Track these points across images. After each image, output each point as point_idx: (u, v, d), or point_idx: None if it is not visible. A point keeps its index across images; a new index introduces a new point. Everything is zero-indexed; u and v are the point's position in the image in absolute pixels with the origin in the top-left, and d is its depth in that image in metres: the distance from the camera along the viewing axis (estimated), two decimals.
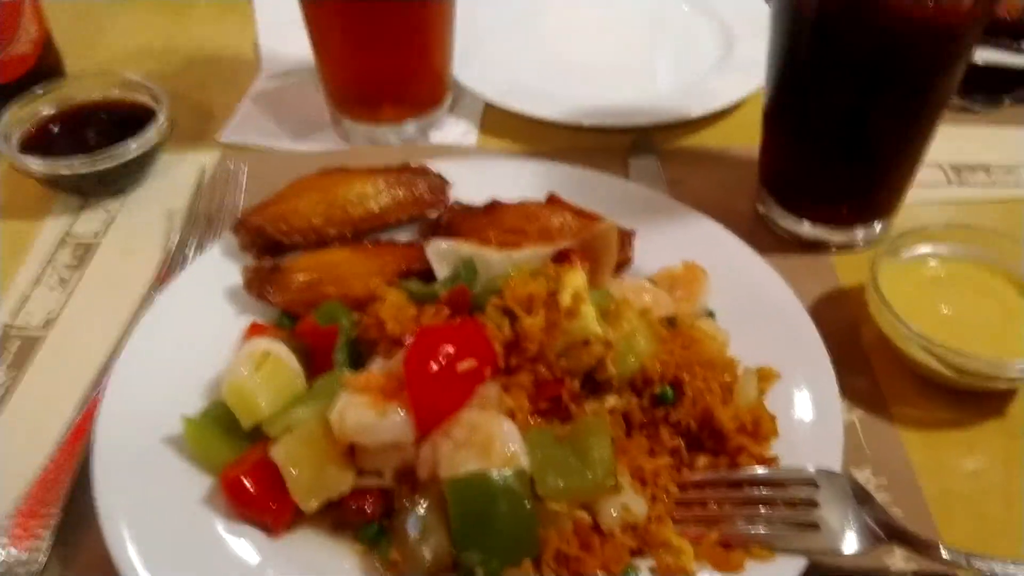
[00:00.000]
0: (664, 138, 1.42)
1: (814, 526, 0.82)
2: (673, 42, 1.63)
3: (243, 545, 0.86)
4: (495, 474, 0.81)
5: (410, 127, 1.42)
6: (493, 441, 0.83)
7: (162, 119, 1.30)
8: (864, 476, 0.95)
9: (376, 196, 1.14)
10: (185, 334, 1.03)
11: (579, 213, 1.14)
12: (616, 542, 0.82)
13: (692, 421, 0.90)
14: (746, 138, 1.39)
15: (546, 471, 0.83)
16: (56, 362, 1.09)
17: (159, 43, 1.68)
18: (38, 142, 1.31)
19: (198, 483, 0.90)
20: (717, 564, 0.81)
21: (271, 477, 0.86)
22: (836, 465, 0.88)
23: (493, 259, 1.03)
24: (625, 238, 1.10)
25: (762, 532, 0.83)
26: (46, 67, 1.47)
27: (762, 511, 0.84)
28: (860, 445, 0.98)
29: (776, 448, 0.91)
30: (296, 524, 0.88)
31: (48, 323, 1.14)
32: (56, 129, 1.34)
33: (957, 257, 1.10)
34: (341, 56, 1.36)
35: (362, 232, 1.13)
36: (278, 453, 0.86)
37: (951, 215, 1.27)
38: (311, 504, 0.86)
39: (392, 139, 1.42)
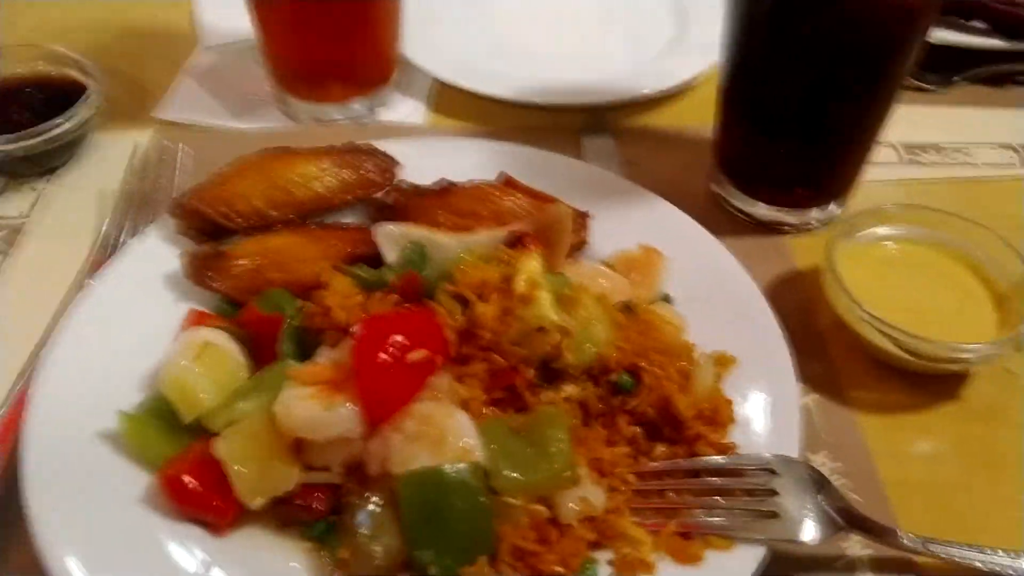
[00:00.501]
0: (618, 117, 1.39)
1: (773, 515, 0.81)
2: (627, 20, 1.60)
3: (186, 545, 0.82)
4: (449, 469, 0.79)
5: (357, 105, 1.37)
6: (446, 434, 0.80)
7: (94, 95, 1.24)
8: (820, 460, 0.94)
9: (321, 177, 1.10)
10: (120, 323, 0.98)
11: (533, 195, 1.11)
12: (574, 535, 0.80)
13: (650, 409, 0.88)
14: (701, 117, 1.37)
15: (502, 464, 0.80)
16: None
17: (90, 14, 1.60)
18: None
19: (136, 481, 0.86)
20: (676, 555, 0.80)
21: (214, 473, 0.82)
22: (793, 451, 0.87)
23: (444, 243, 0.99)
24: (580, 220, 1.07)
25: (721, 522, 0.81)
26: None
27: (721, 500, 0.83)
28: (816, 430, 0.97)
29: (733, 435, 0.90)
30: (242, 522, 0.84)
31: None
32: None
33: (912, 238, 1.09)
34: (285, 33, 1.31)
35: (307, 215, 1.09)
36: (221, 449, 0.82)
37: (903, 194, 1.27)
38: (256, 501, 0.82)
39: (338, 118, 1.37)
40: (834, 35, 1.02)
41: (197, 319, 0.99)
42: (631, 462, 0.86)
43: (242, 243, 1.04)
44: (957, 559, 0.80)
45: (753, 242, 1.19)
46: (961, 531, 0.84)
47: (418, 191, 1.11)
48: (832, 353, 1.06)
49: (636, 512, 0.83)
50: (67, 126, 1.20)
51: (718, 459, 0.86)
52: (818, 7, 1.00)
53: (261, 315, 0.95)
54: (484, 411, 0.85)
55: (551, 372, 0.88)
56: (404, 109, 1.40)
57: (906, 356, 0.98)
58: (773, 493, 0.82)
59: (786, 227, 1.21)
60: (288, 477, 0.83)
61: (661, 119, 1.41)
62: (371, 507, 0.81)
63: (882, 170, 1.29)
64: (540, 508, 0.80)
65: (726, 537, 0.80)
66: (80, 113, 1.21)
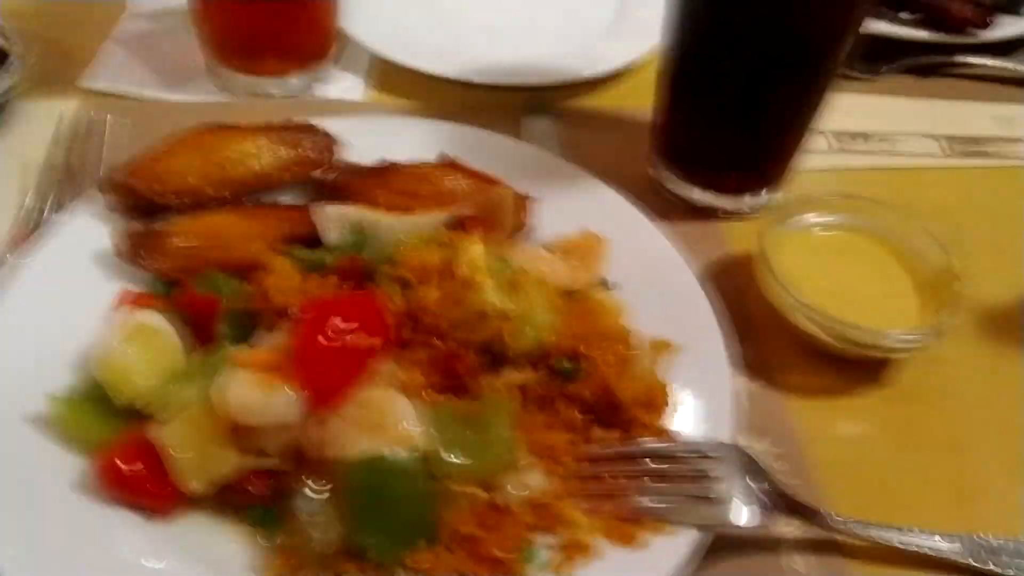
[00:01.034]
0: (559, 98, 1.40)
1: (708, 499, 0.83)
2: (569, 2, 1.59)
3: (124, 532, 0.80)
4: (389, 454, 0.79)
5: (294, 80, 1.34)
6: (386, 419, 0.80)
7: (15, 63, 1.19)
8: (754, 444, 0.96)
9: (258, 154, 1.07)
10: (48, 303, 0.95)
11: (473, 175, 1.11)
12: (515, 520, 0.81)
13: (590, 394, 0.89)
14: (640, 101, 1.38)
15: (443, 450, 0.81)
16: None
17: None
18: None
19: (70, 466, 0.83)
20: (615, 538, 0.81)
21: (150, 458, 0.81)
22: (727, 435, 0.90)
23: (384, 224, 0.98)
24: (520, 203, 1.07)
25: (657, 506, 0.83)
26: None
27: (657, 485, 0.85)
28: (750, 413, 0.99)
29: (668, 419, 0.91)
30: (180, 507, 0.83)
31: None
32: None
33: (841, 226, 1.12)
34: (219, 3, 1.27)
35: (243, 193, 1.06)
36: (157, 433, 0.81)
37: (835, 183, 1.30)
38: (192, 486, 0.81)
39: (274, 92, 1.34)
40: (774, 22, 1.03)
41: (129, 299, 0.96)
42: (571, 447, 0.87)
43: (177, 222, 1.02)
44: (875, 539, 0.84)
45: (688, 226, 1.20)
46: (889, 512, 0.88)
47: (357, 170, 1.10)
48: (764, 338, 1.08)
49: (575, 496, 0.84)
50: None
51: (655, 444, 0.88)
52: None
53: (197, 296, 0.93)
54: (425, 396, 0.85)
55: (493, 357, 0.89)
56: (342, 85, 1.38)
57: (833, 342, 1.01)
58: (708, 477, 0.84)
59: (721, 212, 1.23)
60: (227, 462, 0.81)
61: (602, 101, 1.42)
62: (311, 492, 0.80)
63: (815, 158, 1.31)
64: (479, 492, 0.81)
65: (662, 521, 0.82)
66: (2, 81, 1.16)
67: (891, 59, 1.52)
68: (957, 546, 0.85)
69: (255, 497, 0.83)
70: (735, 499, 0.83)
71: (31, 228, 1.07)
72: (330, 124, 1.15)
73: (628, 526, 0.82)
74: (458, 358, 0.87)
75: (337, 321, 0.81)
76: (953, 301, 1.01)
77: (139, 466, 0.81)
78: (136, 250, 0.99)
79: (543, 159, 1.19)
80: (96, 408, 0.86)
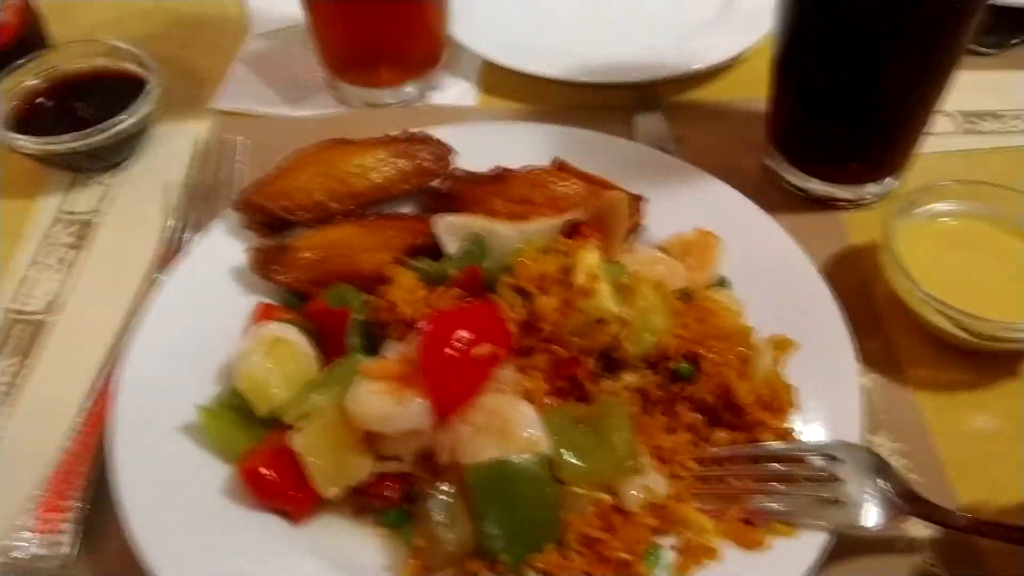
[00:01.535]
0: (668, 92, 1.39)
1: (835, 501, 0.82)
2: None
3: (266, 533, 0.86)
4: (516, 459, 0.81)
5: (408, 89, 1.38)
6: (511, 426, 0.83)
7: (154, 89, 1.26)
8: (880, 441, 0.95)
9: (378, 167, 1.12)
10: (193, 318, 1.01)
11: (586, 178, 1.12)
12: (638, 522, 0.82)
13: (709, 396, 0.90)
14: (751, 90, 1.36)
15: (566, 454, 0.83)
16: (63, 347, 1.08)
17: (141, 5, 1.62)
18: (27, 117, 1.27)
19: (217, 471, 0.90)
20: (739, 541, 0.82)
21: (290, 465, 0.86)
22: (854, 435, 0.88)
23: (502, 233, 1.01)
24: (635, 205, 1.08)
25: (782, 508, 0.83)
26: (29, 35, 1.42)
27: (782, 487, 0.85)
28: (876, 410, 0.97)
29: (793, 420, 0.91)
30: (318, 510, 0.88)
31: (51, 306, 1.12)
32: (44, 102, 1.30)
33: (970, 214, 1.08)
34: (335, 20, 1.32)
35: (365, 206, 1.11)
36: (296, 441, 0.86)
37: (961, 165, 1.25)
38: (331, 492, 0.86)
39: (390, 102, 1.38)
40: (891, 8, 0.99)
41: (265, 312, 1.02)
42: (692, 449, 0.88)
43: (304, 236, 1.07)
44: (1008, 538, 0.81)
45: (807, 218, 1.18)
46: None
47: (473, 178, 1.13)
48: (889, 331, 1.06)
49: (698, 498, 0.85)
50: (130, 122, 1.23)
51: (778, 445, 0.88)
52: None
53: (327, 308, 0.98)
54: (546, 401, 0.87)
55: (611, 361, 0.90)
56: (455, 91, 1.41)
57: (965, 336, 0.98)
58: (834, 479, 0.83)
59: (841, 202, 1.20)
60: (361, 468, 0.86)
61: (712, 93, 1.41)
62: (443, 496, 0.84)
63: (939, 140, 1.27)
64: (604, 496, 0.83)
65: (788, 523, 0.82)
66: (142, 108, 1.24)
67: (1018, 31, 1.44)
68: None
69: (388, 500, 0.87)
70: (863, 500, 0.82)
71: (174, 247, 1.14)
72: (444, 133, 1.18)
73: (752, 529, 0.82)
74: (577, 364, 0.88)
75: (461, 332, 0.84)
76: None
77: (280, 473, 0.86)
78: (268, 265, 1.04)
79: (654, 158, 1.19)
80: (238, 417, 0.91)
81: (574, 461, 0.83)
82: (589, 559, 0.81)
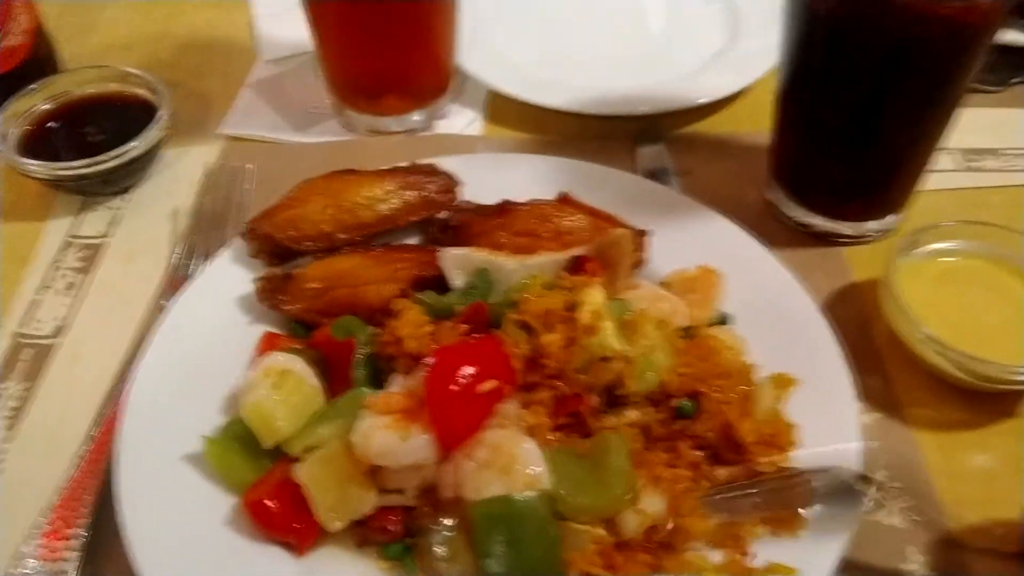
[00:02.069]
0: (672, 125, 1.40)
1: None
2: (679, 27, 1.60)
3: (269, 565, 0.87)
4: (518, 497, 0.82)
5: (415, 117, 1.40)
6: (515, 463, 0.84)
7: (164, 115, 1.28)
8: (879, 479, 0.96)
9: (386, 199, 1.13)
10: (199, 345, 1.02)
11: (591, 212, 1.13)
12: (639, 560, 0.83)
13: (711, 434, 0.90)
14: (755, 124, 1.38)
15: (567, 491, 0.83)
16: (69, 372, 1.09)
17: (152, 29, 1.64)
18: (37, 141, 1.29)
19: (221, 502, 0.90)
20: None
21: (294, 497, 0.87)
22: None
23: (507, 267, 1.02)
24: (638, 240, 1.09)
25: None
26: (39, 58, 1.44)
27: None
28: (875, 448, 0.98)
29: (794, 457, 0.92)
30: (320, 542, 0.89)
31: (59, 330, 1.13)
32: (54, 126, 1.32)
33: (971, 254, 1.09)
34: (343, 49, 1.34)
35: (372, 236, 1.12)
36: (301, 474, 0.86)
37: (962, 203, 1.26)
38: (335, 524, 0.86)
39: (396, 129, 1.40)
40: (895, 48, 1.01)
41: (271, 342, 1.03)
42: (693, 486, 0.89)
43: (311, 266, 1.08)
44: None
45: (808, 253, 1.20)
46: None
47: (478, 211, 1.14)
48: (889, 369, 1.07)
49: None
50: (140, 147, 1.24)
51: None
52: (879, 19, 0.99)
53: (333, 339, 0.99)
54: (550, 437, 0.88)
55: (614, 398, 0.91)
56: (461, 120, 1.43)
57: (964, 376, 0.99)
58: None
59: (843, 238, 1.21)
60: (366, 501, 0.87)
61: (715, 126, 1.42)
62: (445, 531, 0.84)
63: (941, 178, 1.28)
64: (602, 533, 0.83)
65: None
66: (151, 134, 1.26)
67: (1021, 69, 1.46)
68: None
69: (391, 534, 0.88)
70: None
71: (181, 274, 1.16)
72: (449, 163, 1.19)
73: (753, 569, 0.83)
74: (581, 400, 0.89)
75: (466, 368, 0.85)
76: None
77: (284, 505, 0.87)
78: (274, 294, 1.05)
79: (658, 192, 1.20)
80: (243, 448, 0.92)
81: (575, 498, 0.83)
82: None
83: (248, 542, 0.88)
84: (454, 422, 0.85)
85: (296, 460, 0.89)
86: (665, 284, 1.06)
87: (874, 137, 1.12)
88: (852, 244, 1.21)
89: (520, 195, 1.15)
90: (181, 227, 1.25)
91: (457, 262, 1.03)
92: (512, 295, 0.94)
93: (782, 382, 0.96)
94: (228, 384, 0.99)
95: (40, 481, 0.96)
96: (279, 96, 1.48)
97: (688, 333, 0.97)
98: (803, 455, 0.92)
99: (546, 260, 1.02)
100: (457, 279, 1.03)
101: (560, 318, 0.90)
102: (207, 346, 1.03)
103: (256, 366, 0.96)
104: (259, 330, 1.05)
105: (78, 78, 1.35)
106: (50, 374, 1.08)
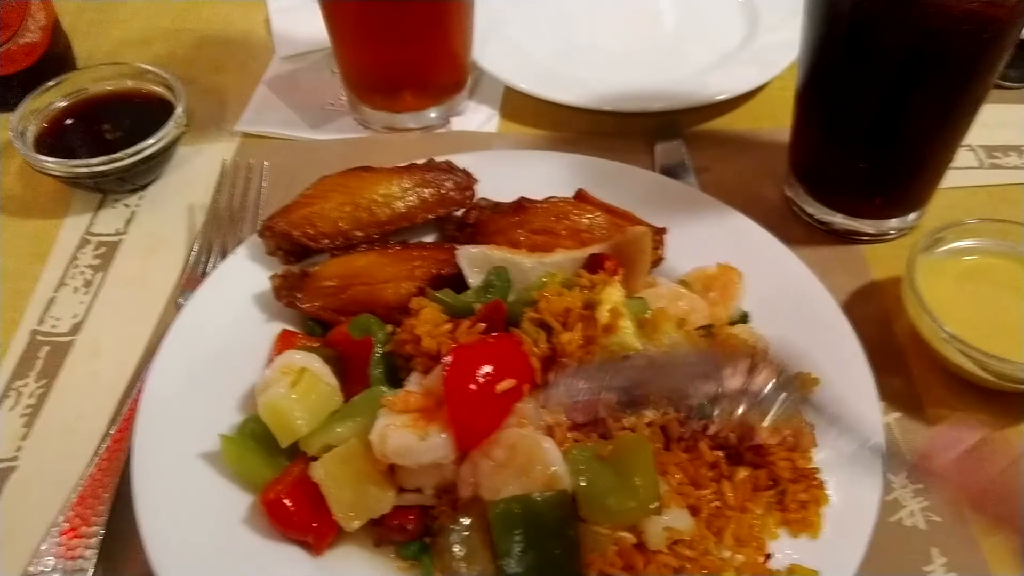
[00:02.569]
0: (690, 121, 1.39)
1: None
2: (696, 22, 1.59)
3: (286, 564, 0.86)
4: (538, 497, 0.81)
5: (431, 114, 1.39)
6: (534, 462, 0.83)
7: (180, 112, 1.28)
8: (902, 481, 0.95)
9: (403, 196, 1.12)
10: (215, 344, 1.02)
11: (609, 210, 1.12)
12: (660, 562, 0.82)
13: (731, 434, 0.89)
14: (773, 120, 1.38)
15: (589, 493, 0.82)
16: (86, 370, 1.09)
17: (168, 26, 1.64)
18: (54, 138, 1.29)
19: (238, 501, 0.90)
20: None
21: (311, 496, 0.86)
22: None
23: (525, 265, 1.01)
24: (657, 238, 1.08)
25: None
26: (56, 55, 1.45)
27: None
28: (897, 448, 0.97)
29: (816, 456, 0.91)
30: (337, 541, 0.88)
31: (76, 328, 1.13)
32: (71, 123, 1.32)
33: (993, 252, 1.08)
34: (360, 46, 1.33)
35: (389, 234, 1.12)
36: (318, 472, 0.86)
37: (984, 201, 1.25)
38: (353, 523, 0.86)
39: (413, 126, 1.39)
40: (919, 43, 0.99)
41: (287, 340, 1.03)
42: (713, 486, 0.88)
43: (327, 264, 1.07)
44: None
45: (828, 251, 1.19)
46: None
47: (496, 209, 1.13)
48: (911, 368, 1.06)
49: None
50: (158, 146, 1.24)
51: None
52: (901, 16, 0.98)
53: (350, 338, 0.98)
54: (568, 436, 0.87)
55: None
56: (478, 117, 1.42)
57: (987, 376, 0.98)
58: None
59: (863, 236, 1.20)
60: (383, 500, 0.86)
61: (732, 122, 1.41)
62: (463, 531, 0.84)
63: (962, 175, 1.27)
64: (627, 535, 0.82)
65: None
66: (170, 132, 1.26)
67: None
68: None
69: (408, 533, 0.87)
70: None
71: (198, 272, 1.15)
72: (466, 160, 1.19)
73: (772, 571, 0.82)
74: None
75: (484, 367, 0.85)
76: None
77: (302, 504, 0.87)
78: (292, 292, 1.05)
79: (676, 190, 1.19)
80: (261, 447, 0.92)
81: (597, 501, 0.83)
82: None
83: (265, 541, 0.87)
84: (473, 421, 0.84)
85: (313, 459, 0.88)
86: (684, 282, 1.05)
87: (896, 133, 1.10)
88: (872, 242, 1.20)
89: (537, 192, 1.14)
90: (197, 224, 1.25)
91: (474, 260, 1.02)
92: (530, 293, 0.93)
93: (804, 381, 0.95)
94: (245, 382, 0.99)
95: (57, 479, 0.96)
96: (295, 93, 1.47)
97: (708, 331, 0.96)
98: (825, 457, 0.91)
99: (564, 258, 1.02)
100: (474, 277, 1.02)
101: (579, 316, 0.89)
102: (223, 344, 1.03)
103: (273, 364, 0.96)
104: (276, 328, 1.05)
105: (95, 75, 1.35)
106: (67, 372, 1.08)
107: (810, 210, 1.22)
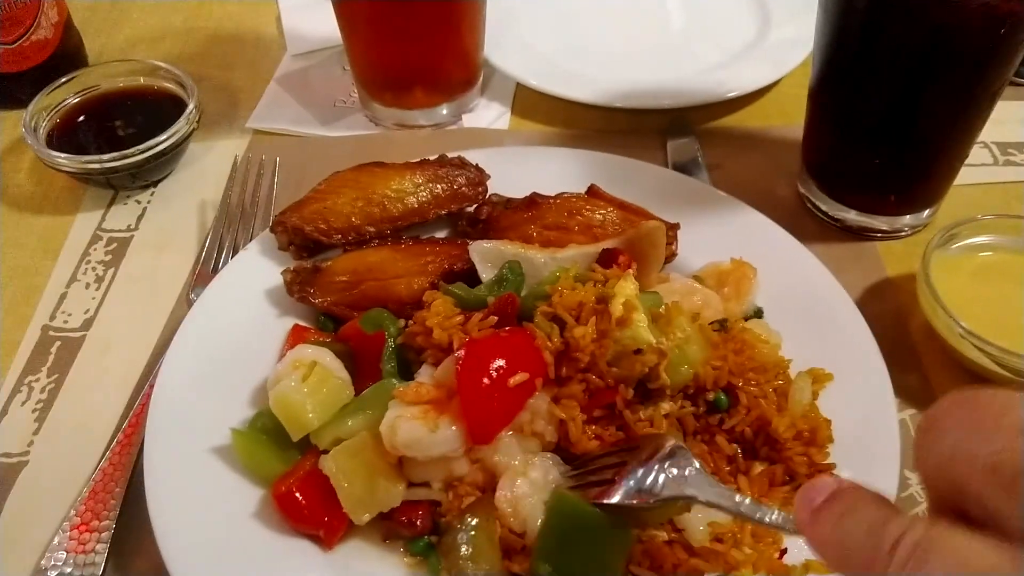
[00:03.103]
0: (702, 118, 1.39)
1: None
2: (708, 18, 1.58)
3: (296, 558, 0.86)
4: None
5: (443, 111, 1.39)
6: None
7: (191, 109, 1.28)
8: (916, 478, 0.94)
9: (415, 192, 1.12)
10: (227, 339, 1.02)
11: (621, 206, 1.12)
12: (688, 565, 0.81)
13: (747, 428, 0.89)
14: (785, 118, 1.37)
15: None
16: (98, 365, 1.09)
17: (180, 23, 1.65)
18: (66, 134, 1.29)
19: (249, 494, 0.90)
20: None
21: (322, 489, 0.86)
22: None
23: (538, 260, 1.01)
24: (670, 233, 1.07)
25: None
26: (68, 51, 1.45)
27: None
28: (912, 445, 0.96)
29: (831, 452, 0.90)
30: (347, 535, 0.88)
31: (88, 323, 1.13)
32: (83, 120, 1.32)
33: (1008, 248, 1.07)
34: (371, 44, 1.33)
35: (401, 229, 1.11)
36: (329, 466, 0.86)
37: (998, 198, 1.24)
38: (363, 517, 0.86)
39: (424, 123, 1.39)
40: (934, 38, 0.99)
41: (299, 334, 1.02)
42: (732, 480, 0.87)
43: (340, 259, 1.07)
44: None
45: (842, 248, 1.18)
46: None
47: (508, 204, 1.13)
48: (926, 364, 1.05)
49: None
50: (170, 142, 1.24)
51: None
52: (916, 12, 0.97)
53: (362, 332, 0.98)
54: (585, 430, 0.87)
55: (648, 391, 0.89)
56: (489, 114, 1.42)
57: (1003, 371, 0.97)
58: None
59: (877, 233, 1.19)
60: (393, 494, 0.86)
61: (744, 119, 1.41)
62: (470, 530, 0.83)
63: (976, 172, 1.26)
64: (659, 533, 0.82)
65: None
66: (181, 129, 1.26)
67: None
68: None
69: (417, 528, 0.87)
70: None
71: (212, 266, 1.15)
72: (478, 156, 1.18)
73: (788, 567, 0.81)
74: (614, 392, 0.88)
75: (499, 362, 0.84)
76: None
77: (313, 497, 0.86)
78: (304, 287, 1.05)
79: (689, 185, 1.19)
80: (272, 441, 0.92)
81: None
82: None
83: (275, 534, 0.87)
84: (485, 414, 0.84)
85: (324, 452, 0.88)
86: (698, 277, 1.04)
87: (910, 130, 1.10)
88: (886, 239, 1.20)
89: (549, 188, 1.14)
90: (209, 220, 1.25)
91: (487, 255, 1.02)
92: (543, 288, 0.93)
93: (818, 377, 0.94)
94: (256, 377, 0.99)
95: (68, 473, 0.97)
96: (306, 90, 1.47)
97: (722, 326, 0.95)
98: (842, 453, 0.90)
99: (577, 253, 1.01)
100: (487, 272, 1.02)
101: (592, 311, 0.88)
102: (235, 339, 1.02)
103: (285, 359, 0.96)
104: (287, 323, 1.05)
105: (107, 72, 1.36)
106: (78, 367, 1.08)
107: (823, 207, 1.21)
